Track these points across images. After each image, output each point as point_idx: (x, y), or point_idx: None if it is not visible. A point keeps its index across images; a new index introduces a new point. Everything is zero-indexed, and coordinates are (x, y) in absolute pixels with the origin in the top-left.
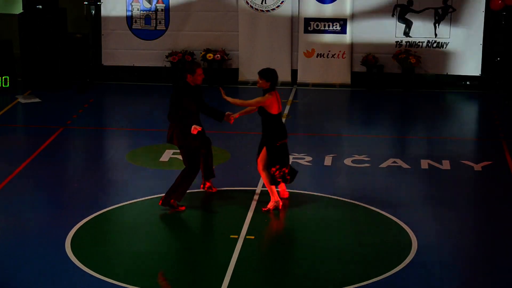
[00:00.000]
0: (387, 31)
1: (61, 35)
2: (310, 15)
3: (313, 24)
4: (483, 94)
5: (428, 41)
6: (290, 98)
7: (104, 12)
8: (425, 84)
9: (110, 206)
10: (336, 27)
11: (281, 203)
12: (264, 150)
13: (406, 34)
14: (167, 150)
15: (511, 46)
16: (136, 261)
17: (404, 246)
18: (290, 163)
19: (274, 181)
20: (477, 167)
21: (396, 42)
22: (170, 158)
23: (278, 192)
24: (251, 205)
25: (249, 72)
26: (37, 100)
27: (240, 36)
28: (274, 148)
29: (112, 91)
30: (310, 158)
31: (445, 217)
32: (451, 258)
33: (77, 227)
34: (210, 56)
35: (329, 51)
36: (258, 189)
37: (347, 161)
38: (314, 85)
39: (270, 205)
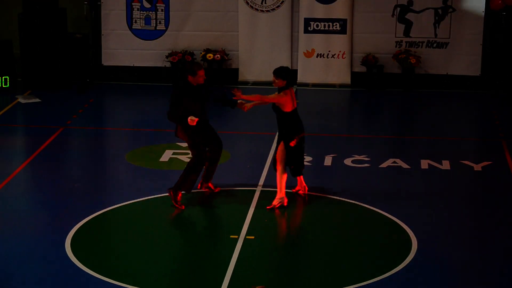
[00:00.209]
0: (387, 31)
1: (61, 35)
2: (310, 15)
3: (313, 24)
4: (483, 94)
5: (428, 41)
6: None
7: (104, 12)
8: (425, 84)
9: (110, 206)
10: (336, 27)
11: (286, 201)
12: (281, 145)
13: (406, 34)
14: (167, 150)
15: (511, 46)
16: (136, 261)
17: (404, 246)
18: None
19: (299, 172)
20: (477, 167)
21: (396, 42)
22: (170, 158)
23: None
24: (251, 205)
25: (249, 72)
26: (37, 100)
27: (240, 36)
28: (289, 147)
29: (112, 91)
30: (310, 158)
31: (445, 217)
32: (451, 258)
33: (77, 227)
34: (210, 56)
35: (329, 51)
36: (258, 189)
37: (347, 161)
38: (314, 85)
39: (275, 202)
